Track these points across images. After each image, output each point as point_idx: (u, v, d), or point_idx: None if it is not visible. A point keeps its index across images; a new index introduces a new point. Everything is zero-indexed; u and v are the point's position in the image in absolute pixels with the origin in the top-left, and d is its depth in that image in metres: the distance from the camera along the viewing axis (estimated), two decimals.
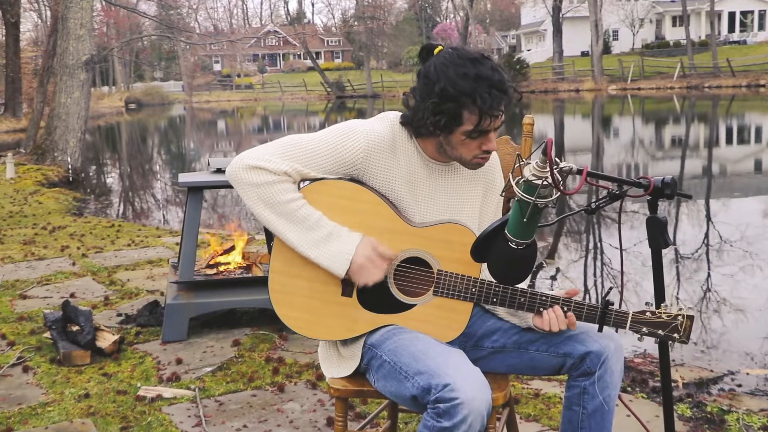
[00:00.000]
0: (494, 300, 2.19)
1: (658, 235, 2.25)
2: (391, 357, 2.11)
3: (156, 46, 69.53)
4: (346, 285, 2.20)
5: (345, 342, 2.27)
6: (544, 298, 2.19)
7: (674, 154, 16.29)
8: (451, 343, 2.22)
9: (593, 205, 2.21)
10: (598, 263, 7.16)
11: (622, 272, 2.38)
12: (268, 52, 75.78)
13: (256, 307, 4.35)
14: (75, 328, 4.04)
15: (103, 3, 36.13)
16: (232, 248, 4.71)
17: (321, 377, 3.61)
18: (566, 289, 2.25)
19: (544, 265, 6.76)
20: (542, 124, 26.78)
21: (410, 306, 2.20)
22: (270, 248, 4.92)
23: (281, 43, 75.50)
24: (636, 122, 25.83)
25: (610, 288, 2.22)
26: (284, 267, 2.22)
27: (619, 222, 2.30)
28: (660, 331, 2.17)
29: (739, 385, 3.81)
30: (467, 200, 2.30)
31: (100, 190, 13.63)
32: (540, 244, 7.46)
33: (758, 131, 20.41)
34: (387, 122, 2.22)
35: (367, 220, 2.18)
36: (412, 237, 2.19)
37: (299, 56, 73.48)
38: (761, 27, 55.04)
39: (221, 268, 4.53)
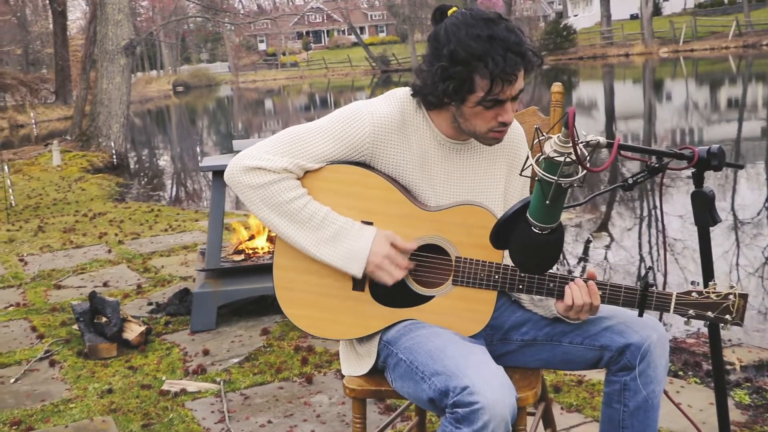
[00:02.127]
0: (520, 287, 1.99)
1: (705, 212, 2.01)
2: (407, 355, 1.93)
3: (201, 29, 69.88)
4: (357, 279, 2.02)
5: (361, 339, 2.09)
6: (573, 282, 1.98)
7: (731, 117, 15.65)
8: (475, 337, 2.03)
9: (630, 181, 1.99)
10: (653, 231, 6.85)
11: (665, 251, 2.14)
12: (312, 29, 75.57)
13: None
14: (103, 319, 3.95)
15: None
16: (260, 232, 4.56)
17: None
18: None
19: (591, 239, 6.48)
20: (591, 91, 26.15)
21: (428, 298, 2.01)
22: None
23: (325, 19, 75.21)
24: (689, 85, 25.01)
25: (649, 268, 2.00)
26: (290, 262, 2.04)
27: (660, 198, 2.07)
28: (709, 313, 1.94)
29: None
30: (489, 181, 2.09)
31: (144, 175, 13.68)
32: (586, 217, 7.21)
33: None
34: (395, 101, 2.02)
35: (377, 206, 1.99)
36: (427, 222, 1.99)
37: (343, 32, 73.14)
38: None
39: (249, 254, 4.38)
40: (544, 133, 1.66)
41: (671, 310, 1.95)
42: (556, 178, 1.62)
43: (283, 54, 68.55)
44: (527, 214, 1.74)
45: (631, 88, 26.95)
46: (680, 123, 15.09)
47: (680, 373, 3.40)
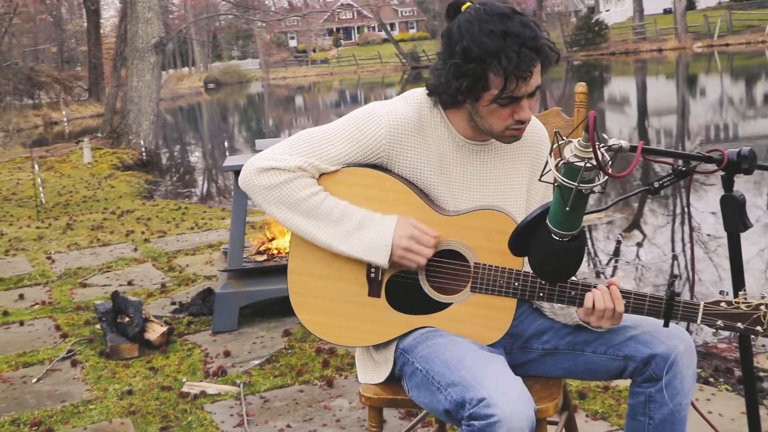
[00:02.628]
0: (541, 295, 1.92)
1: (735, 217, 1.93)
2: (423, 364, 1.87)
3: (232, 26, 70.26)
4: (373, 284, 1.96)
5: (377, 346, 2.03)
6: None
7: (767, 112, 15.35)
8: (494, 345, 1.96)
9: (656, 184, 1.91)
10: (686, 228, 6.71)
11: (693, 259, 2.06)
12: (342, 25, 75.63)
13: None
14: (125, 319, 3.94)
15: None
16: (283, 232, 4.52)
17: None
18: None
19: (622, 238, 6.36)
20: (623, 87, 25.83)
21: (446, 305, 1.95)
22: None
23: (355, 16, 75.21)
24: (724, 80, 24.58)
25: (675, 277, 1.92)
26: (304, 266, 2.00)
27: (688, 203, 1.98)
28: (739, 324, 1.85)
29: None
30: (510, 185, 2.02)
31: (173, 172, 13.76)
32: (617, 216, 7.09)
33: None
34: (412, 101, 1.96)
35: (394, 210, 1.93)
36: (445, 227, 1.93)
37: (373, 28, 73.06)
38: None
39: (272, 254, 4.35)
40: (564, 137, 1.59)
41: (698, 321, 1.87)
42: (576, 183, 1.55)
43: (314, 51, 68.68)
44: (547, 221, 1.67)
45: (664, 84, 26.57)
46: (714, 119, 14.83)
47: (711, 380, 3.30)
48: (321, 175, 1.94)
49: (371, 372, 2.07)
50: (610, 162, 1.58)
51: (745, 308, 1.85)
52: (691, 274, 2.05)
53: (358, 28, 75.89)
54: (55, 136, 22.35)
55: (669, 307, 1.88)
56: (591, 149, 1.53)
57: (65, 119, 24.33)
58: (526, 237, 1.74)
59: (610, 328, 1.96)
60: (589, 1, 66.82)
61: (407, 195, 1.93)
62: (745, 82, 22.88)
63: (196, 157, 16.76)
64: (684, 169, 1.90)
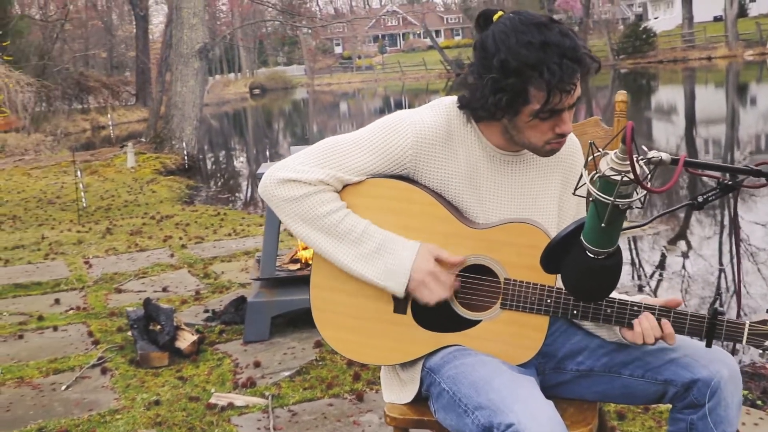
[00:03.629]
0: (575, 312, 1.82)
1: None
2: (450, 385, 1.78)
3: (278, 32, 70.85)
4: (399, 300, 1.88)
5: (404, 364, 1.95)
6: (636, 308, 1.80)
7: None
8: (526, 365, 1.87)
9: (701, 199, 1.80)
10: (733, 240, 6.50)
11: (739, 277, 1.93)
12: (387, 32, 75.76)
13: None
14: (157, 327, 3.91)
15: None
16: None
17: None
18: (667, 298, 1.85)
19: (665, 251, 6.18)
20: (672, 95, 25.37)
21: (475, 322, 1.86)
22: None
23: (400, 22, 75.29)
24: None
25: (719, 294, 1.80)
26: (326, 281, 1.92)
27: (736, 220, 1.87)
28: None
29: None
30: (542, 197, 1.92)
31: (216, 177, 13.83)
32: (661, 228, 6.90)
33: None
34: (440, 110, 1.87)
35: (420, 223, 1.85)
36: (474, 241, 1.84)
37: (419, 35, 73.05)
38: None
39: (305, 263, 4.28)
40: (600, 149, 1.49)
41: (744, 341, 1.76)
42: (612, 198, 1.45)
43: (359, 57, 68.90)
44: (581, 237, 1.57)
45: (713, 93, 26.04)
46: (765, 128, 14.45)
47: (758, 402, 3.14)
48: (345, 186, 1.87)
49: (397, 391, 1.99)
50: (649, 176, 1.48)
51: None
52: (737, 290, 1.92)
53: (404, 34, 75.93)
54: (102, 140, 22.69)
55: (712, 327, 1.77)
56: (628, 162, 1.43)
57: (110, 123, 24.69)
58: (559, 253, 1.63)
59: (648, 350, 1.86)
60: (637, 8, 65.93)
61: (435, 207, 1.85)
62: None
63: (239, 162, 16.84)
64: (730, 183, 1.79)
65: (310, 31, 55.17)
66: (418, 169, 1.84)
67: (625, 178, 1.43)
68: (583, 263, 1.59)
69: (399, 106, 32.41)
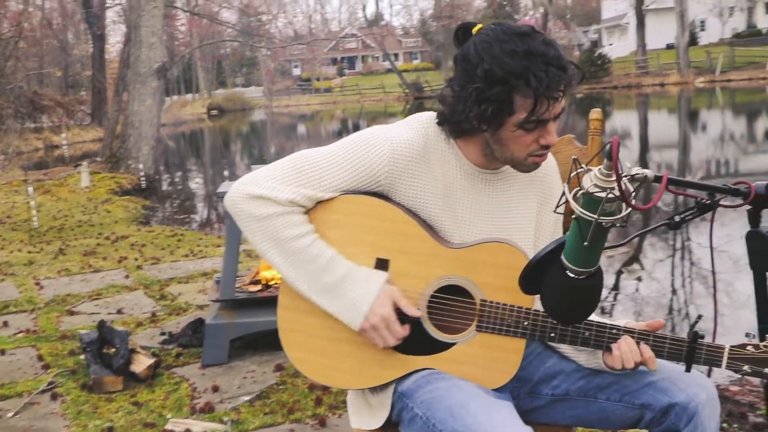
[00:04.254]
0: (552, 335, 1.77)
1: (762, 255, 1.79)
2: (423, 410, 1.70)
3: (237, 53, 70.60)
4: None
5: (374, 388, 1.87)
6: (615, 331, 1.75)
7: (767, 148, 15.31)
8: (500, 390, 1.80)
9: (677, 218, 1.77)
10: (686, 263, 6.58)
11: (715, 299, 1.91)
12: (346, 55, 76.02)
13: None
14: (111, 350, 3.77)
15: (187, 14, 36.77)
16: None
17: None
18: (648, 321, 1.81)
19: (623, 271, 6.21)
20: (626, 121, 25.78)
21: (449, 345, 1.79)
22: None
23: (360, 45, 75.64)
24: (726, 116, 24.56)
25: (699, 317, 1.76)
26: (294, 302, 1.84)
27: (711, 240, 1.83)
28: (767, 370, 1.70)
29: None
30: (519, 217, 1.87)
31: (172, 198, 13.62)
32: (617, 250, 6.92)
33: None
34: (417, 126, 1.81)
35: (395, 242, 1.78)
36: (449, 261, 1.78)
37: (377, 58, 73.41)
38: None
39: (266, 284, 4.18)
40: (583, 165, 1.44)
41: (723, 366, 1.73)
42: (596, 216, 1.40)
43: (317, 79, 68.94)
44: (562, 256, 1.52)
45: (666, 118, 26.54)
46: (716, 154, 14.74)
47: (724, 425, 3.12)
48: (317, 203, 1.79)
49: (366, 417, 1.90)
50: (633, 193, 1.43)
51: None
52: (714, 314, 1.88)
53: (362, 57, 76.27)
54: (55, 160, 22.24)
55: (691, 351, 1.73)
56: (613, 179, 1.38)
57: (65, 143, 24.24)
58: (538, 274, 1.58)
59: (625, 373, 1.81)
60: (592, 35, 67.23)
61: (409, 226, 1.78)
62: (746, 118, 22.85)
63: (196, 183, 16.63)
64: (708, 202, 1.76)
65: (268, 52, 55.04)
66: (394, 186, 1.77)
67: (610, 195, 1.38)
68: (563, 283, 1.54)
69: (357, 128, 32.18)
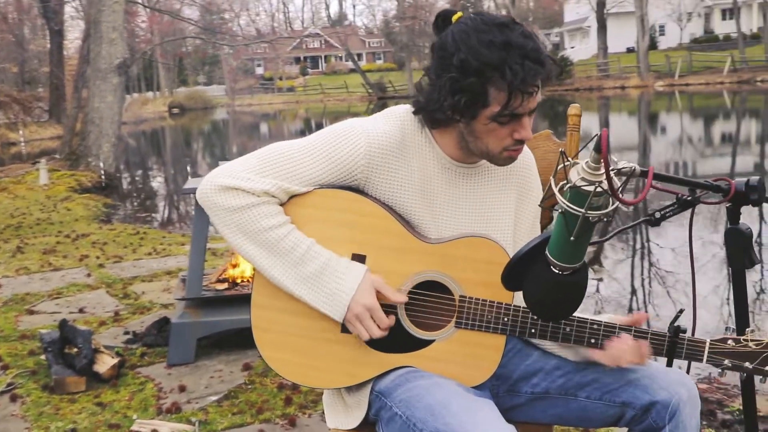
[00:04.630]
0: (532, 331, 1.74)
1: (741, 252, 1.78)
2: (403, 410, 1.67)
3: (199, 51, 69.93)
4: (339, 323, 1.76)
5: (350, 387, 1.83)
6: (596, 326, 1.73)
7: (724, 152, 15.62)
8: (480, 387, 1.77)
9: (658, 215, 1.76)
10: (646, 263, 6.66)
11: (694, 294, 1.89)
12: (309, 54, 75.71)
13: None
14: (73, 350, 3.67)
15: (148, 10, 36.31)
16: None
17: None
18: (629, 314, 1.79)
19: (593, 271, 6.25)
20: (587, 123, 26.05)
21: (427, 342, 1.76)
22: None
23: (323, 45, 75.40)
24: (684, 119, 24.96)
25: (681, 311, 1.74)
26: (268, 300, 1.79)
27: (690, 236, 1.82)
28: (747, 364, 1.70)
29: None
30: (497, 211, 1.84)
31: (133, 196, 13.42)
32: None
33: None
34: (394, 119, 1.78)
35: (371, 237, 1.74)
36: (427, 256, 1.75)
37: (341, 58, 73.27)
38: None
39: (234, 283, 4.11)
40: (570, 159, 1.42)
41: (704, 360, 1.72)
42: (583, 210, 1.38)
43: (280, 79, 68.57)
44: (546, 252, 1.49)
45: (627, 121, 26.87)
46: (674, 156, 14.96)
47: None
48: (291, 197, 1.74)
49: (342, 416, 1.86)
50: (620, 187, 1.41)
51: (754, 346, 1.70)
52: (693, 308, 1.86)
53: (325, 57, 76.03)
54: (12, 157, 21.79)
55: (673, 345, 1.72)
56: (601, 172, 1.36)
57: (22, 140, 23.76)
58: (522, 269, 1.55)
59: (606, 371, 1.79)
60: (554, 37, 67.85)
61: (386, 220, 1.74)
62: (703, 122, 23.25)
63: (157, 182, 16.42)
64: (689, 198, 1.75)
65: (231, 50, 54.64)
66: (370, 180, 1.73)
67: (598, 189, 1.36)
68: (547, 279, 1.52)
69: (320, 128, 32.01)
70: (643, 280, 6.12)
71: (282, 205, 1.74)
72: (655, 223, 1.77)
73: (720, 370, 1.74)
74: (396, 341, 1.76)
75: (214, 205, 1.72)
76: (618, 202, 1.38)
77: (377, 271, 1.74)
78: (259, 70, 73.86)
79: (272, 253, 1.70)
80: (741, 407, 3.36)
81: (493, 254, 1.74)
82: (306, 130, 32.32)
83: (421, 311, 1.77)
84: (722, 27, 55.28)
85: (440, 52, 1.66)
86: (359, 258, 1.75)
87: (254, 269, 1.78)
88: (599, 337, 1.72)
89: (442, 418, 1.58)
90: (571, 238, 1.42)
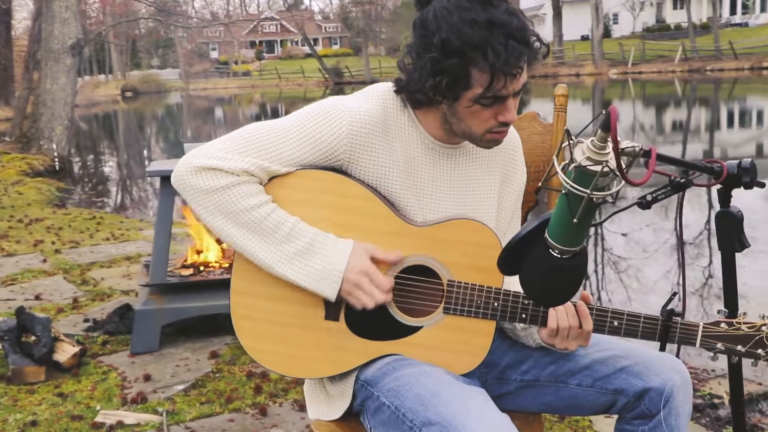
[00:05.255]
0: (523, 316, 1.70)
1: (733, 235, 1.74)
2: (391, 399, 1.60)
3: (152, 33, 68.71)
4: (330, 305, 1.69)
5: (333, 377, 1.76)
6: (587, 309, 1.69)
7: (675, 139, 15.86)
8: (468, 375, 1.72)
9: (649, 197, 1.71)
10: (599, 250, 6.72)
11: (684, 279, 1.85)
12: (265, 38, 74.94)
13: None
14: (31, 338, 3.53)
15: None
16: (212, 245, 4.19)
17: None
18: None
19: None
20: (543, 110, 26.25)
21: (415, 329, 1.70)
22: None
23: (279, 29, 74.67)
24: (637, 106, 25.31)
25: (674, 294, 1.70)
26: (249, 286, 1.71)
27: (680, 218, 1.78)
28: (739, 347, 1.68)
29: None
30: (481, 193, 1.79)
31: (87, 180, 13.12)
32: None
33: (760, 115, 19.96)
34: (376, 97, 1.70)
35: (355, 219, 1.67)
36: (415, 239, 1.68)
37: (297, 43, 72.69)
38: (763, 9, 54.29)
39: (199, 268, 4.00)
40: (573, 137, 1.36)
41: (697, 344, 1.68)
42: (588, 191, 1.32)
43: (235, 63, 67.78)
44: (546, 234, 1.44)
45: (581, 108, 27.12)
46: (626, 144, 15.14)
47: None
48: (271, 178, 1.66)
49: (324, 407, 1.80)
50: (627, 168, 1.36)
51: (747, 329, 1.67)
52: (683, 292, 1.83)
53: (281, 41, 75.36)
54: None
55: (666, 329, 1.68)
56: (608, 151, 1.31)
57: None
58: (520, 253, 1.50)
59: (598, 359, 1.75)
60: None
61: (371, 202, 1.68)
62: (655, 110, 23.59)
63: (111, 166, 16.09)
64: (683, 181, 1.71)
65: (185, 33, 53.79)
66: (353, 161, 1.66)
67: (605, 169, 1.31)
68: (546, 263, 1.46)
69: (276, 113, 31.99)
70: (596, 265, 6.17)
71: (261, 185, 1.66)
72: (646, 206, 1.72)
73: (712, 354, 1.71)
74: (382, 328, 1.70)
75: (191, 188, 1.63)
76: (624, 182, 1.33)
77: None
78: (214, 54, 72.94)
79: (255, 233, 1.63)
80: (710, 391, 3.39)
81: (482, 237, 1.68)
82: (261, 115, 32.01)
83: (408, 297, 1.71)
84: (673, 16, 56.14)
85: (421, 30, 1.59)
86: None
87: (235, 253, 1.70)
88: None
89: (433, 407, 1.52)
90: (574, 220, 1.37)
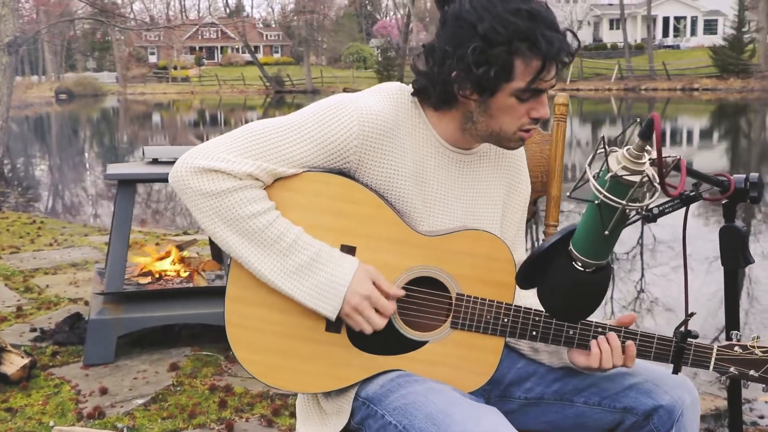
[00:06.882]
0: (534, 333, 1.63)
1: (736, 251, 1.71)
2: (398, 418, 1.52)
3: (89, 35, 67.21)
4: (331, 320, 1.60)
5: (329, 393, 1.66)
6: (600, 329, 1.63)
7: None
8: (473, 393, 1.65)
9: (656, 210, 1.67)
10: None
11: (686, 297, 1.81)
12: (205, 44, 73.98)
13: (198, 322, 3.67)
14: None
15: None
16: (170, 252, 4.03)
17: (277, 411, 2.99)
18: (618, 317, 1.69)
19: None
20: None
21: (420, 344, 1.62)
22: (215, 253, 4.27)
23: (219, 35, 73.82)
24: (574, 123, 25.79)
25: (691, 314, 1.65)
26: (245, 292, 1.60)
27: (684, 231, 1.75)
28: (752, 372, 1.64)
29: (762, 417, 3.32)
30: (488, 201, 1.72)
31: (24, 183, 12.66)
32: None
33: (690, 133, 20.58)
34: (386, 96, 1.62)
35: (363, 227, 1.59)
36: (424, 249, 1.61)
37: (237, 50, 71.95)
38: (693, 32, 56.22)
39: (157, 277, 3.85)
40: (608, 146, 1.31)
41: (711, 367, 1.64)
42: (624, 202, 1.27)
43: (175, 68, 66.72)
44: (571, 247, 1.38)
45: None
46: (571, 159, 15.38)
47: None
48: (276, 180, 1.57)
49: (316, 425, 1.70)
50: (665, 178, 1.31)
51: (761, 354, 1.63)
52: (685, 309, 1.79)
53: (222, 48, 74.50)
54: None
55: (680, 351, 1.63)
56: (644, 161, 1.26)
57: None
58: (541, 266, 1.43)
59: (605, 375, 1.70)
60: None
61: (380, 209, 1.59)
62: (591, 126, 24.09)
63: (45, 169, 15.59)
64: (693, 194, 1.67)
65: (123, 36, 52.76)
66: (363, 164, 1.58)
67: (644, 179, 1.25)
68: (568, 276, 1.40)
69: (215, 120, 31.60)
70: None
71: (265, 189, 1.56)
72: (652, 219, 1.68)
73: (723, 378, 1.68)
74: (386, 342, 1.61)
75: (189, 190, 1.52)
76: (658, 193, 1.28)
77: (368, 264, 1.59)
78: (153, 59, 71.62)
79: (255, 243, 1.53)
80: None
81: (493, 249, 1.62)
82: (200, 121, 31.54)
83: (415, 309, 1.63)
84: (610, 36, 57.52)
85: (457, 23, 1.52)
86: (348, 249, 1.60)
87: (232, 259, 1.59)
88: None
89: (446, 427, 1.44)
90: (606, 232, 1.31)
